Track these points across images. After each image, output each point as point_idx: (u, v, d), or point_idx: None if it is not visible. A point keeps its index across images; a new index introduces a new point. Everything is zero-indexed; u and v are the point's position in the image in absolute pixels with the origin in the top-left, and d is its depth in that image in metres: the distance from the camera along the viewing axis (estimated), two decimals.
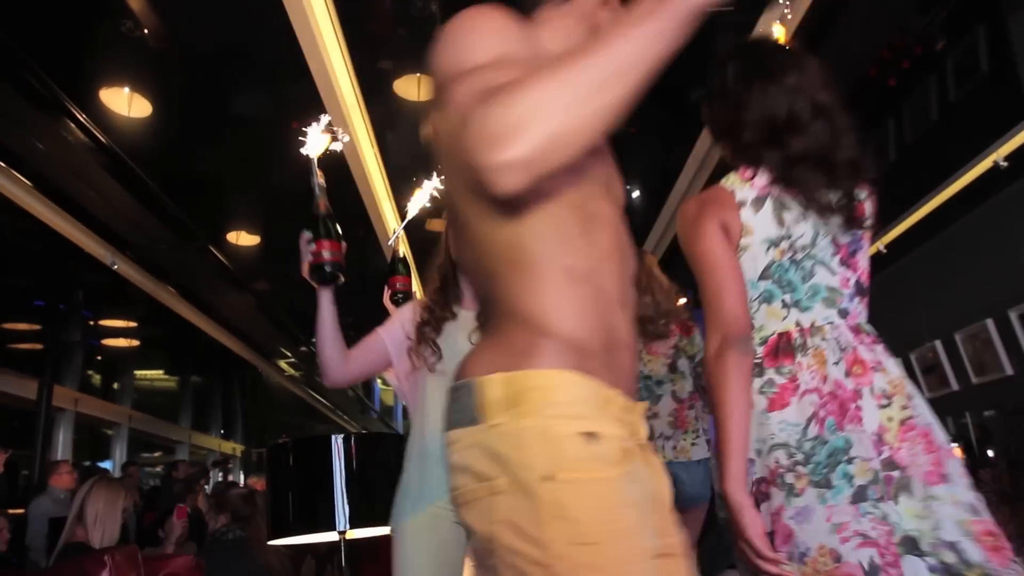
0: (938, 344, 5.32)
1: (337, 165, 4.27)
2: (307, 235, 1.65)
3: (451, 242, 1.72)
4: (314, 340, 1.75)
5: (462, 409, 0.85)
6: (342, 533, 1.93)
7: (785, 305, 1.30)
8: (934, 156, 4.95)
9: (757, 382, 1.28)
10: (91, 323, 8.14)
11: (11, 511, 4.93)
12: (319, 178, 1.68)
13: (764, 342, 1.30)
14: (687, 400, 2.75)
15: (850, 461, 1.18)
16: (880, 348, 1.29)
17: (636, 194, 5.93)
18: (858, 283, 1.33)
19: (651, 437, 2.73)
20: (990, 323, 4.74)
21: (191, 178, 5.24)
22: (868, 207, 1.35)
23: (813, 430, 1.21)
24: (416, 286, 2.43)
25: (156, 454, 10.98)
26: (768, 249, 1.30)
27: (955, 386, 5.23)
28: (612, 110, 0.73)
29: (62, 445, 7.29)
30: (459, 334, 1.71)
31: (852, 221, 1.30)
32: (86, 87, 4.09)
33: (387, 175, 5.12)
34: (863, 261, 1.34)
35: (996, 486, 2.11)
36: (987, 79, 4.41)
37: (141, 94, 4.23)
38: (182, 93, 4.33)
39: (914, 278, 5.67)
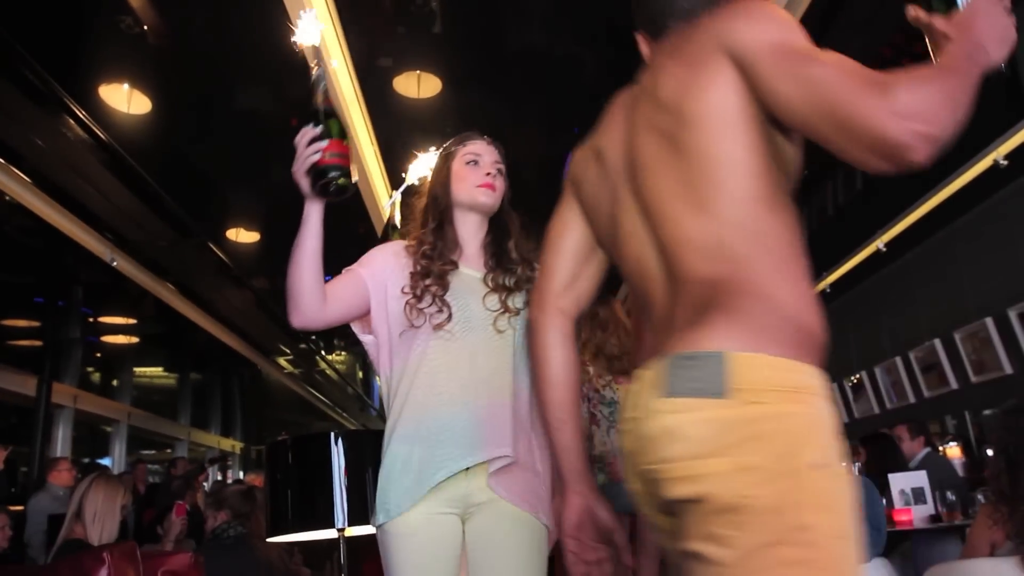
0: (937, 343, 5.32)
1: None
2: (314, 129, 1.33)
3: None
4: (288, 267, 1.44)
5: (704, 379, 0.84)
6: (341, 530, 1.93)
7: None
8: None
9: None
10: (90, 320, 8.12)
11: (11, 508, 4.92)
12: (320, 68, 1.38)
13: None
14: None
15: None
16: None
17: None
18: None
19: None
20: (989, 322, 4.74)
21: (190, 175, 5.23)
22: None
23: None
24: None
25: (157, 452, 10.97)
26: None
27: (954, 385, 5.24)
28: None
29: (61, 442, 7.27)
30: (470, 297, 1.52)
31: None
32: (85, 83, 4.08)
33: (387, 175, 5.11)
34: None
35: (995, 485, 2.11)
36: (987, 78, 4.39)
37: (140, 90, 4.21)
38: (181, 89, 4.32)
39: (913, 277, 5.67)
